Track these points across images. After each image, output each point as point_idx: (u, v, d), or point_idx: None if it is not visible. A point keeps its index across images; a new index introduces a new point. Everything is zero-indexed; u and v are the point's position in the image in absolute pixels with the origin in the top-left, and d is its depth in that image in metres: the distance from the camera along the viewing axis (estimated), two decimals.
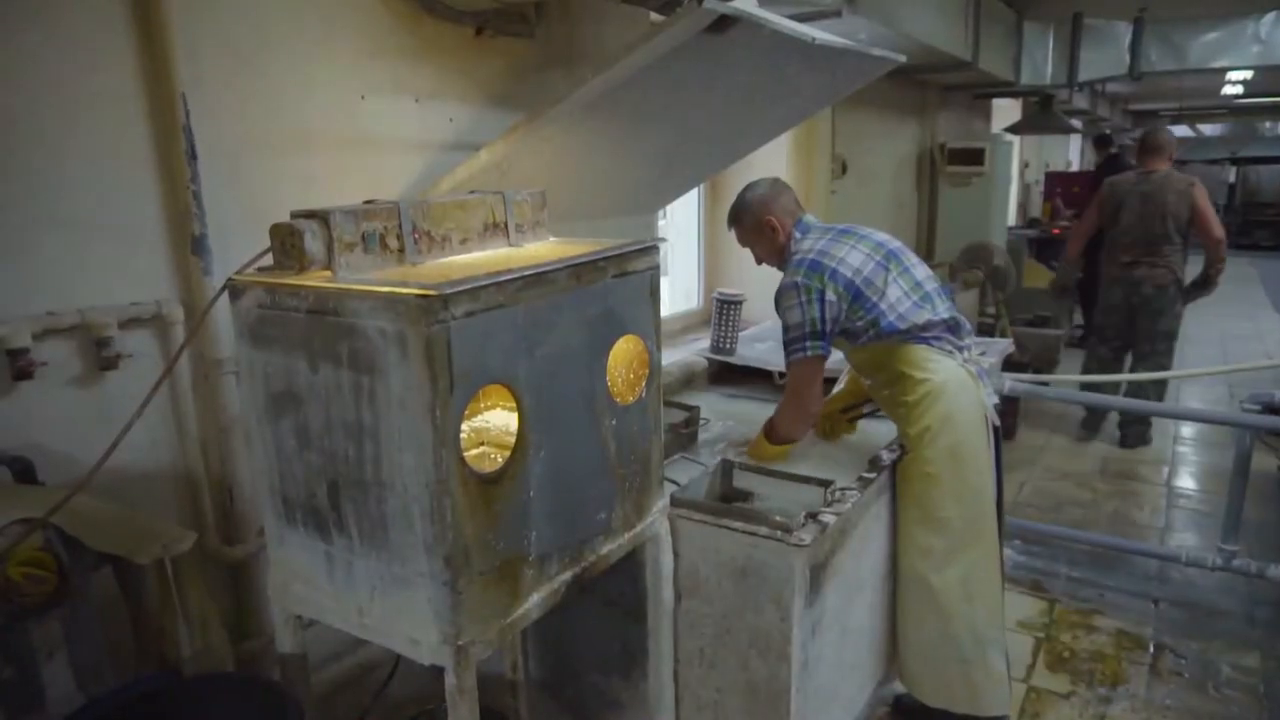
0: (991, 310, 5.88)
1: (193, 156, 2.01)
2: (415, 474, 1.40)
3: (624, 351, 1.90)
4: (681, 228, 4.89)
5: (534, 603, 1.62)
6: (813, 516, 2.01)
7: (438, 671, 1.52)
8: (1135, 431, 5.26)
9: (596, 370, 1.72)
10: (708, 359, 3.61)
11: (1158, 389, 5.14)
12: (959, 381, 2.37)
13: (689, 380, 3.51)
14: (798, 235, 2.47)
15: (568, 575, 1.71)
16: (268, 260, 1.60)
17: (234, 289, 1.58)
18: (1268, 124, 16.28)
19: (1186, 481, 4.94)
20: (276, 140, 2.23)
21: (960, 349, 2.43)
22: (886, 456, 2.41)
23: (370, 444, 1.45)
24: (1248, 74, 9.28)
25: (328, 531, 1.58)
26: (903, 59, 3.08)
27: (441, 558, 1.42)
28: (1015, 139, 8.06)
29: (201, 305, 2.04)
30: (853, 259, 2.37)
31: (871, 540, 2.40)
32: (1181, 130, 17.23)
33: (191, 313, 2.05)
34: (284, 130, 2.25)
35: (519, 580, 1.58)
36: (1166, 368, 4.90)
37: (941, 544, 2.39)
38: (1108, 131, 7.92)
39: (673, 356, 3.60)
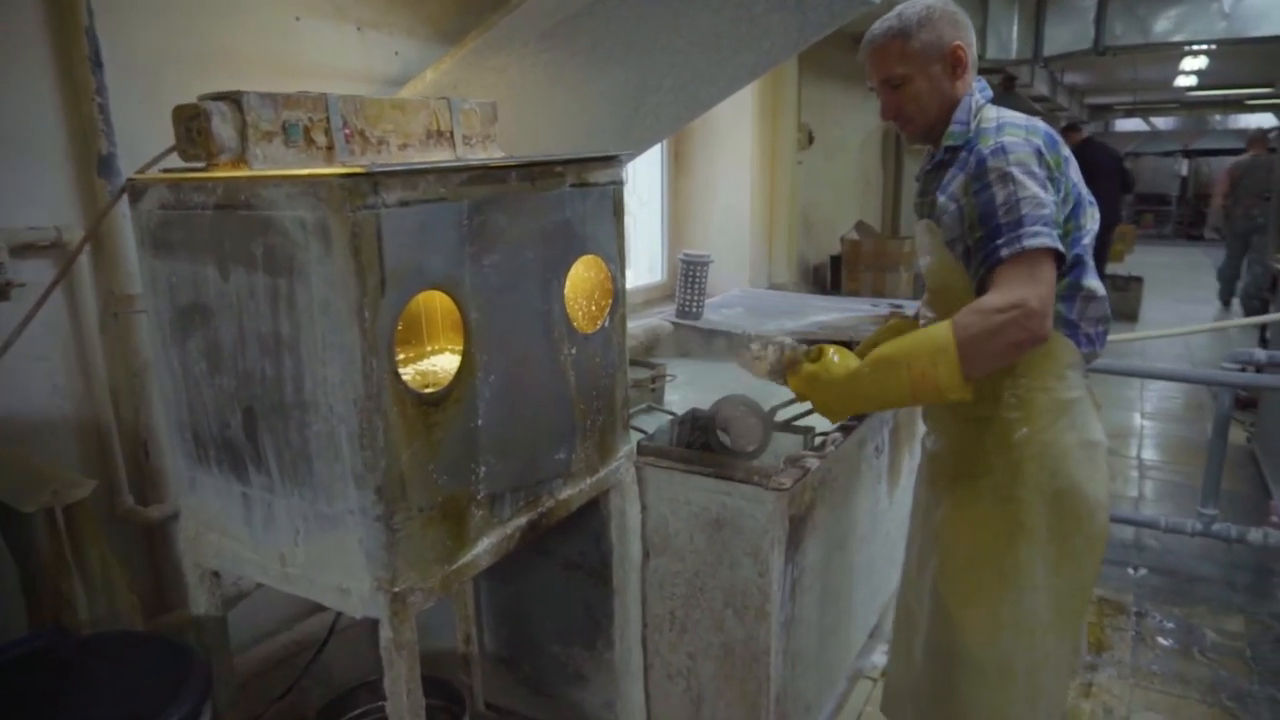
0: None
1: (98, 64, 1.78)
2: (341, 389, 1.20)
3: (585, 280, 1.72)
4: (644, 196, 4.72)
5: (483, 548, 1.43)
6: (793, 461, 1.84)
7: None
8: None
9: (553, 290, 1.53)
10: (673, 324, 3.44)
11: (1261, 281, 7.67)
12: (1086, 405, 1.67)
13: (653, 346, 3.34)
14: (980, 99, 1.65)
15: (522, 520, 1.52)
16: (175, 162, 1.39)
17: (134, 189, 1.37)
18: (1217, 117, 16.58)
19: (1155, 454, 4.89)
20: (199, 57, 2.01)
21: (1091, 359, 1.70)
22: None
23: (290, 359, 1.25)
24: (1202, 63, 9.41)
25: (244, 469, 1.37)
26: (877, 1, 2.94)
27: (373, 489, 1.23)
28: None
29: (110, 231, 1.82)
30: (1074, 163, 1.64)
31: (853, 497, 2.24)
32: (1135, 124, 17.49)
33: (98, 240, 1.82)
34: (208, 47, 2.03)
35: (465, 521, 1.39)
36: (1267, 263, 7.01)
37: (1022, 620, 1.68)
38: (1079, 121, 8.28)
39: (636, 324, 3.42)
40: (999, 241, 1.47)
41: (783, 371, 1.70)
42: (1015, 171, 1.48)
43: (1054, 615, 1.69)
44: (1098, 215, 1.66)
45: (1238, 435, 4.53)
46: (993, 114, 1.62)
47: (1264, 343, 5.24)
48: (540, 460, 1.55)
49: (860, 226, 5.84)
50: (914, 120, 1.67)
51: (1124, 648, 2.89)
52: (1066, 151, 1.59)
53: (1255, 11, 5.55)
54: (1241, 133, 13.45)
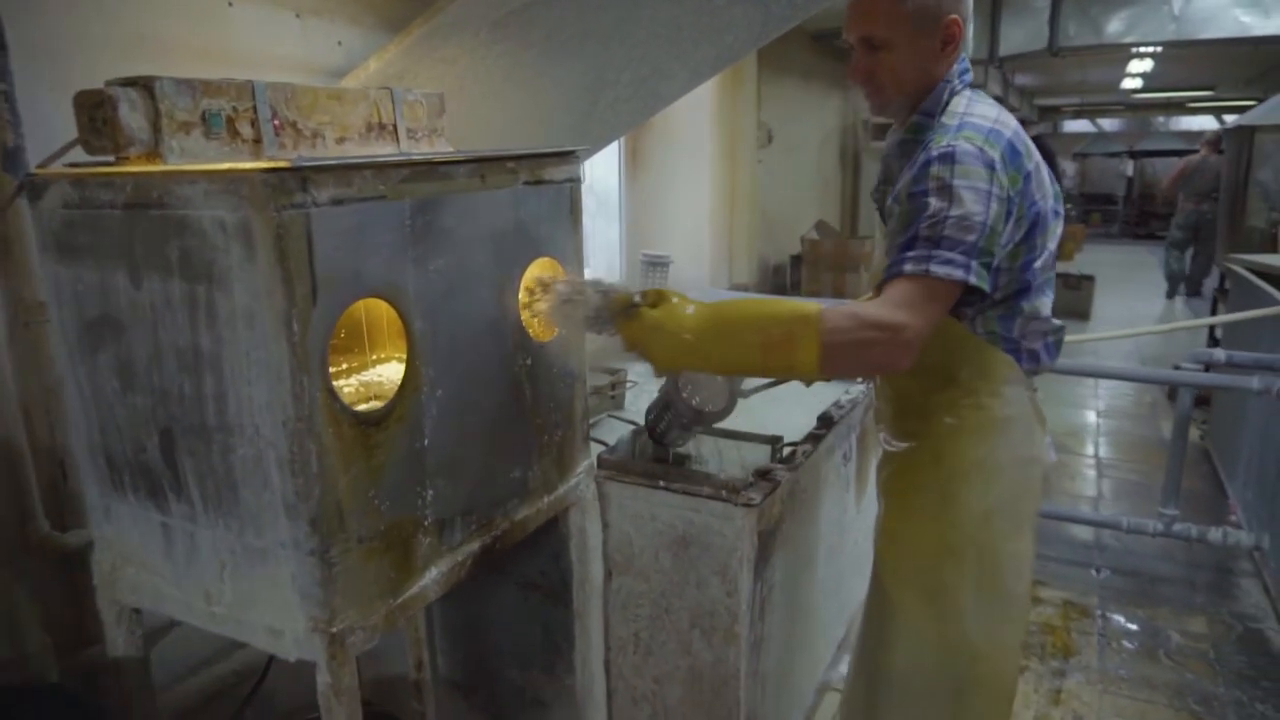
0: None
1: (1, 48, 1.62)
2: (269, 411, 1.08)
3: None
4: (602, 197, 4.62)
5: (432, 578, 1.31)
6: (763, 475, 1.75)
7: None
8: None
9: (507, 296, 1.42)
10: None
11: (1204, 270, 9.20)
12: (1025, 422, 1.56)
13: (612, 350, 3.23)
14: (958, 85, 1.47)
15: (475, 545, 1.40)
16: (83, 156, 1.26)
17: (34, 186, 1.22)
18: (1161, 119, 16.96)
19: (1110, 452, 4.92)
20: (120, 43, 1.85)
21: (1037, 374, 1.60)
22: (836, 413, 2.17)
23: (211, 376, 1.12)
24: (1148, 66, 9.60)
25: (163, 497, 1.24)
26: None
27: (306, 520, 1.10)
28: None
29: (19, 233, 1.66)
30: (1043, 175, 1.47)
31: (821, 508, 2.17)
32: (1082, 125, 17.82)
33: (5, 242, 1.66)
34: (130, 32, 1.87)
35: (412, 550, 1.27)
36: (1214, 258, 8.13)
37: (949, 641, 1.59)
38: (1026, 119, 8.46)
39: None
40: (909, 254, 1.33)
41: (610, 319, 1.42)
42: (957, 184, 1.33)
43: (985, 639, 1.58)
44: (1060, 230, 1.52)
45: (1191, 433, 4.57)
46: (960, 107, 1.44)
47: (1214, 341, 5.31)
48: (494, 480, 1.44)
49: (820, 226, 5.80)
50: (885, 91, 1.49)
51: (1090, 652, 2.86)
52: (1031, 165, 1.42)
53: (1204, 14, 5.63)
54: (1185, 135, 13.82)
